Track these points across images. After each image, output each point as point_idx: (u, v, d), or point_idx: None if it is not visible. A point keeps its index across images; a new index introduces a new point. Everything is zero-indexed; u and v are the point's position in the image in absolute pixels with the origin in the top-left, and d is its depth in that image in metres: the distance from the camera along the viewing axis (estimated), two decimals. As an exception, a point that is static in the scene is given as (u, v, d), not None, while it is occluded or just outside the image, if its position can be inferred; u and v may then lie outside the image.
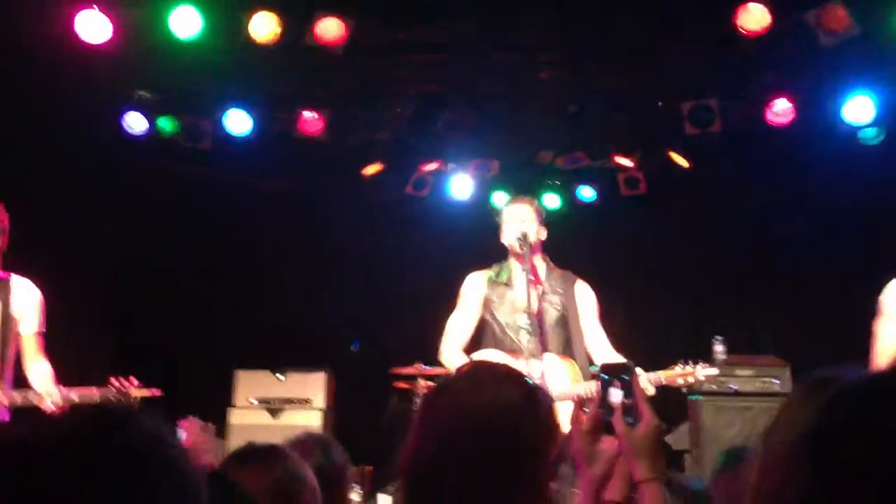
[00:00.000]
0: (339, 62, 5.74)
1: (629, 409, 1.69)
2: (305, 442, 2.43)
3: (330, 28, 5.29)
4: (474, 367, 1.76)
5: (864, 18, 4.72)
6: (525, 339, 4.17)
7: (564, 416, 3.99)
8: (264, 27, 5.26)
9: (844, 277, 6.23)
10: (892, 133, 5.85)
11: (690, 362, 4.16)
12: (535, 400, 1.59)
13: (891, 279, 4.14)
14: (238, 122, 6.15)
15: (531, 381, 1.68)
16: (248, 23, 5.26)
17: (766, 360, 5.46)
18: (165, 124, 6.17)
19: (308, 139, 6.30)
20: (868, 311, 4.20)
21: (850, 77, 5.62)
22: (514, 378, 1.63)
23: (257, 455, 1.96)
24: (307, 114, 6.22)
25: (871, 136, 5.90)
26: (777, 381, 5.37)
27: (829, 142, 6.03)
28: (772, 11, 4.79)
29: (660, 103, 6.17)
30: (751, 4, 4.79)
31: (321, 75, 6.06)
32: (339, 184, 7.18)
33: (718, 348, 4.94)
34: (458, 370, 1.79)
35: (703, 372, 4.16)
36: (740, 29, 4.82)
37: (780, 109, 5.80)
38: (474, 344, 4.54)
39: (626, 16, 5.28)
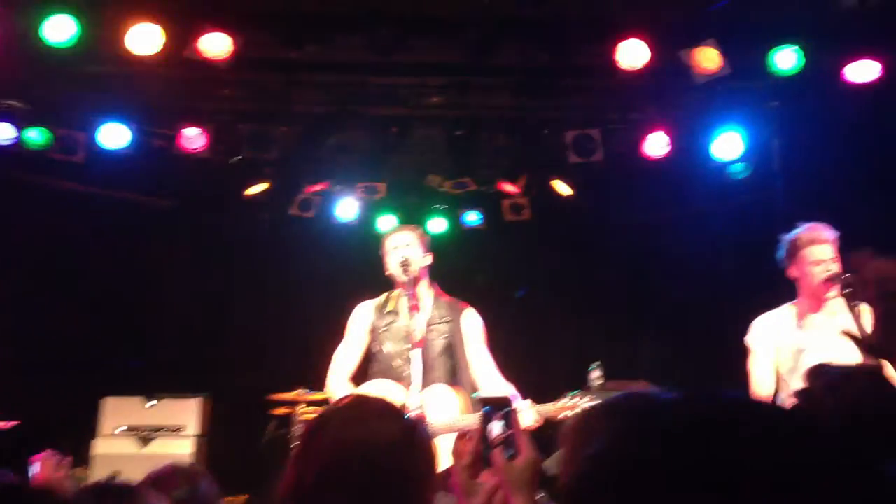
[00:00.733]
0: (225, 78, 5.61)
1: (509, 443, 1.70)
2: (172, 474, 2.33)
3: (216, 43, 5.16)
4: (355, 401, 1.74)
5: (735, 59, 4.96)
6: (410, 369, 4.13)
7: (448, 448, 3.98)
8: (146, 39, 5.08)
9: (718, 304, 6.51)
10: (758, 169, 6.16)
11: (577, 395, 4.22)
12: (414, 436, 1.58)
13: (758, 313, 4.40)
14: (114, 135, 5.91)
15: (411, 417, 1.66)
16: (127, 33, 5.07)
17: (640, 385, 5.61)
18: (36, 135, 5.87)
19: (190, 155, 6.12)
20: (740, 337, 4.44)
21: (721, 114, 5.91)
22: (393, 414, 1.62)
23: (105, 497, 1.84)
24: (189, 129, 6.04)
25: (738, 170, 6.20)
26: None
27: (702, 174, 6.31)
28: (651, 48, 4.98)
29: (545, 131, 6.31)
30: (631, 40, 4.96)
31: (205, 90, 5.91)
32: (222, 202, 7.01)
33: (595, 374, 5.04)
34: (338, 403, 1.77)
35: (587, 405, 4.22)
36: (621, 64, 4.99)
37: (657, 142, 6.03)
38: (363, 374, 4.49)
39: (514, 44, 5.38)
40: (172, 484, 2.20)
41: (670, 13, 5.06)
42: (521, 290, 7.42)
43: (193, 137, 6.04)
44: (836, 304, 4.11)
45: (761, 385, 4.29)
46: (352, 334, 4.50)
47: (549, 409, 4.13)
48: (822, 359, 4.04)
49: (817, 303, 4.17)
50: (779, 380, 4.31)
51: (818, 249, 4.07)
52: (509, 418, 1.74)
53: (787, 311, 4.31)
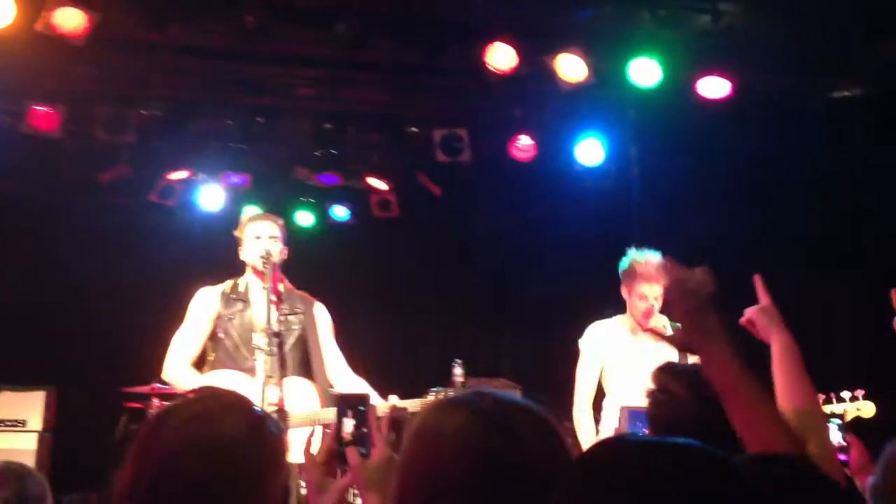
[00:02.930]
0: (80, 56, 5.33)
1: (362, 440, 1.71)
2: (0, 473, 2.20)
3: (70, 18, 4.88)
4: (201, 394, 1.69)
5: (597, 67, 5.14)
6: (262, 360, 4.06)
7: (302, 441, 3.94)
8: (-8, 9, 4.76)
9: (575, 305, 6.73)
10: (618, 176, 6.42)
11: (440, 391, 4.27)
12: (262, 430, 1.55)
13: (612, 314, 4.64)
14: (-45, 111, 5.52)
15: (259, 411, 1.64)
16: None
17: (499, 382, 5.73)
18: None
19: (39, 135, 5.78)
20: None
21: (584, 120, 6.12)
22: (241, 407, 1.58)
23: None
24: (39, 108, 5.71)
25: (599, 177, 6.44)
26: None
27: (565, 178, 6.51)
28: (518, 52, 5.09)
29: (414, 129, 6.34)
30: (498, 44, 5.05)
31: (58, 68, 5.59)
32: (75, 187, 6.67)
33: (457, 371, 5.12)
34: (185, 395, 1.72)
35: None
36: (489, 66, 5.07)
37: (523, 145, 6.18)
38: (202, 361, 4.36)
39: (388, 40, 5.37)
40: (1, 482, 2.07)
41: (537, 19, 5.19)
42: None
43: (43, 115, 5.70)
44: (662, 322, 4.44)
45: (585, 387, 4.62)
46: (194, 318, 4.34)
47: (413, 403, 4.16)
48: (646, 364, 4.36)
49: (644, 320, 4.47)
50: (605, 383, 4.60)
51: (647, 288, 4.41)
52: (364, 415, 1.74)
53: (619, 319, 4.59)
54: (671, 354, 4.22)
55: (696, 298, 1.65)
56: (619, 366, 4.54)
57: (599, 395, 4.69)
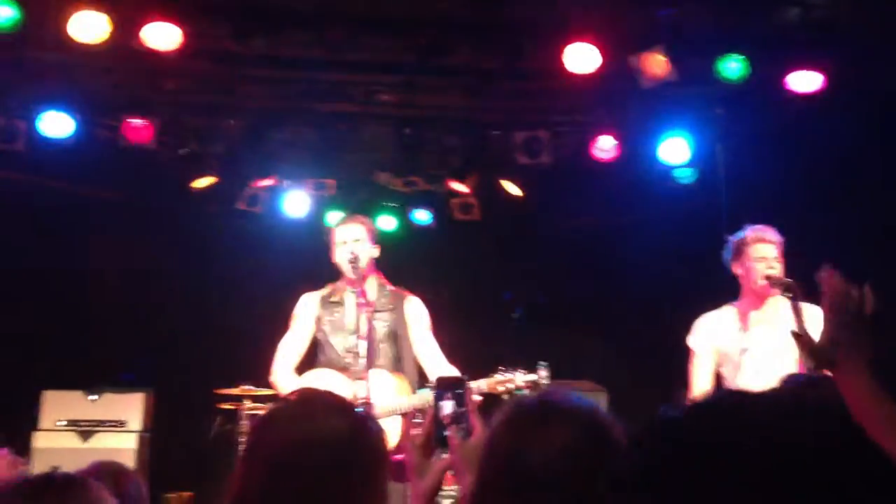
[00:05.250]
0: (172, 69, 5.51)
1: (460, 421, 1.72)
2: (98, 472, 2.26)
3: (163, 33, 5.07)
4: (302, 396, 1.73)
5: (682, 65, 5.06)
6: (354, 360, 4.17)
7: (392, 431, 4.02)
8: (91, 26, 4.97)
9: (661, 307, 6.61)
10: (704, 174, 6.28)
11: (510, 369, 4.29)
12: (364, 429, 1.58)
13: (699, 316, 4.50)
14: (57, 124, 5.76)
15: (359, 411, 1.66)
16: (71, 20, 4.95)
17: (585, 385, 5.69)
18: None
19: (135, 146, 6.00)
20: (682, 340, 4.53)
21: (668, 119, 6.01)
22: (341, 408, 1.61)
23: (52, 488, 1.79)
24: (135, 120, 5.92)
25: (684, 175, 6.31)
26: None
27: (649, 178, 6.40)
28: (600, 52, 5.04)
29: (494, 132, 6.34)
30: (580, 44, 5.01)
31: (152, 82, 5.80)
32: (168, 195, 6.89)
33: (542, 373, 5.09)
34: (286, 398, 1.76)
35: (522, 378, 4.28)
36: (571, 67, 5.04)
37: (605, 146, 6.10)
38: (307, 363, 4.51)
39: (466, 43, 5.40)
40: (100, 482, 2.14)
41: (619, 18, 5.13)
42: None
43: (138, 128, 5.92)
44: (777, 303, 4.24)
45: (701, 385, 4.38)
46: (297, 324, 4.53)
47: (484, 384, 4.20)
48: (765, 359, 4.20)
49: (758, 301, 4.28)
50: (720, 380, 4.40)
51: (762, 247, 4.20)
52: (462, 398, 1.75)
53: (728, 311, 4.40)
54: (785, 343, 4.05)
55: (854, 314, 1.57)
56: (732, 357, 4.35)
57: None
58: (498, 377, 4.23)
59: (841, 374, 1.55)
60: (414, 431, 1.83)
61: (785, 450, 0.91)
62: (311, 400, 1.64)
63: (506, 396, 4.66)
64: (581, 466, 1.34)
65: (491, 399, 4.37)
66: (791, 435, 0.93)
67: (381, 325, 4.41)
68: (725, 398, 1.04)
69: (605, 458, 1.33)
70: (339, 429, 1.54)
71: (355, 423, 1.57)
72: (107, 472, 2.34)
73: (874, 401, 1.51)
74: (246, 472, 1.53)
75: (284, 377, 4.44)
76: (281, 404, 1.69)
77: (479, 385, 4.16)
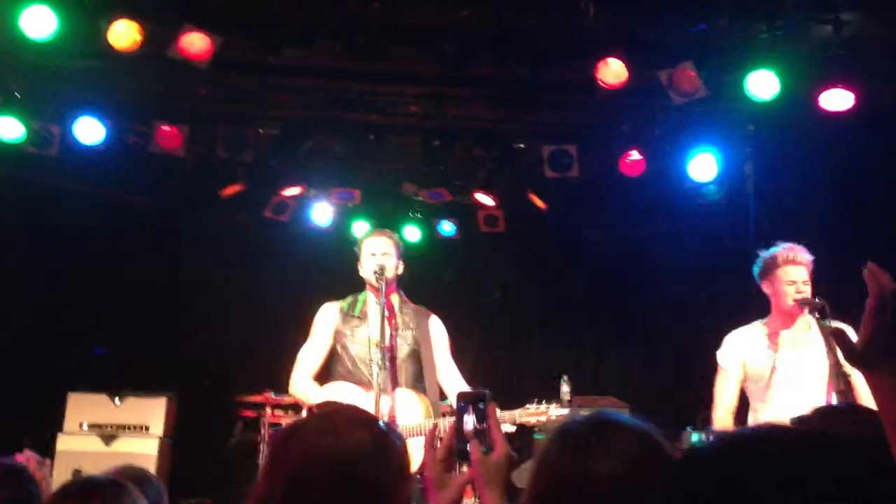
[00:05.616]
0: (203, 78, 5.57)
1: (482, 436, 1.71)
2: (121, 477, 2.28)
3: (195, 42, 5.12)
4: (326, 410, 1.73)
5: (711, 82, 5.02)
6: (376, 373, 4.16)
7: (414, 450, 4.02)
8: (124, 35, 5.03)
9: (685, 322, 6.57)
10: (731, 191, 6.23)
11: (544, 402, 4.27)
12: (387, 444, 1.58)
13: (721, 332, 4.45)
14: (89, 130, 5.84)
15: (383, 425, 1.66)
16: (107, 29, 5.02)
17: (607, 401, 5.65)
18: (9, 127, 5.77)
19: (165, 153, 6.07)
20: (706, 355, 4.48)
21: (697, 135, 5.98)
22: (365, 422, 1.61)
23: (97, 489, 1.82)
24: (165, 127, 6.00)
25: (711, 192, 6.27)
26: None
27: (676, 194, 6.37)
28: (629, 67, 5.03)
29: (521, 145, 6.34)
30: (610, 59, 5.00)
31: (182, 89, 5.86)
32: (196, 202, 6.96)
33: (564, 388, 5.07)
34: (310, 411, 1.77)
35: (555, 412, 4.26)
36: (600, 82, 5.03)
37: (633, 160, 6.08)
38: (325, 373, 4.50)
39: (493, 56, 5.40)
40: None
41: (649, 34, 5.11)
42: (498, 292, 7.51)
43: (169, 135, 5.99)
44: (807, 323, 4.19)
45: (726, 401, 4.33)
46: (317, 333, 4.52)
47: (518, 415, 4.18)
48: (795, 379, 4.14)
49: (789, 320, 4.24)
50: (746, 397, 4.35)
51: (793, 270, 4.14)
52: (484, 412, 1.74)
53: (758, 329, 4.35)
54: (814, 364, 4.03)
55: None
56: (760, 375, 4.30)
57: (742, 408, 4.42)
58: (531, 408, 4.22)
59: (876, 376, 1.53)
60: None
61: (821, 489, 0.90)
62: (336, 414, 1.64)
63: (537, 429, 4.66)
64: (642, 478, 1.37)
65: (522, 429, 4.37)
66: (827, 473, 0.92)
67: (404, 343, 4.41)
68: (759, 435, 1.03)
69: (662, 469, 1.34)
70: (362, 443, 1.54)
71: (379, 437, 1.58)
72: (129, 476, 2.35)
73: None
74: (267, 483, 1.53)
75: (304, 385, 4.43)
76: (306, 417, 1.70)
77: (512, 416, 4.15)
